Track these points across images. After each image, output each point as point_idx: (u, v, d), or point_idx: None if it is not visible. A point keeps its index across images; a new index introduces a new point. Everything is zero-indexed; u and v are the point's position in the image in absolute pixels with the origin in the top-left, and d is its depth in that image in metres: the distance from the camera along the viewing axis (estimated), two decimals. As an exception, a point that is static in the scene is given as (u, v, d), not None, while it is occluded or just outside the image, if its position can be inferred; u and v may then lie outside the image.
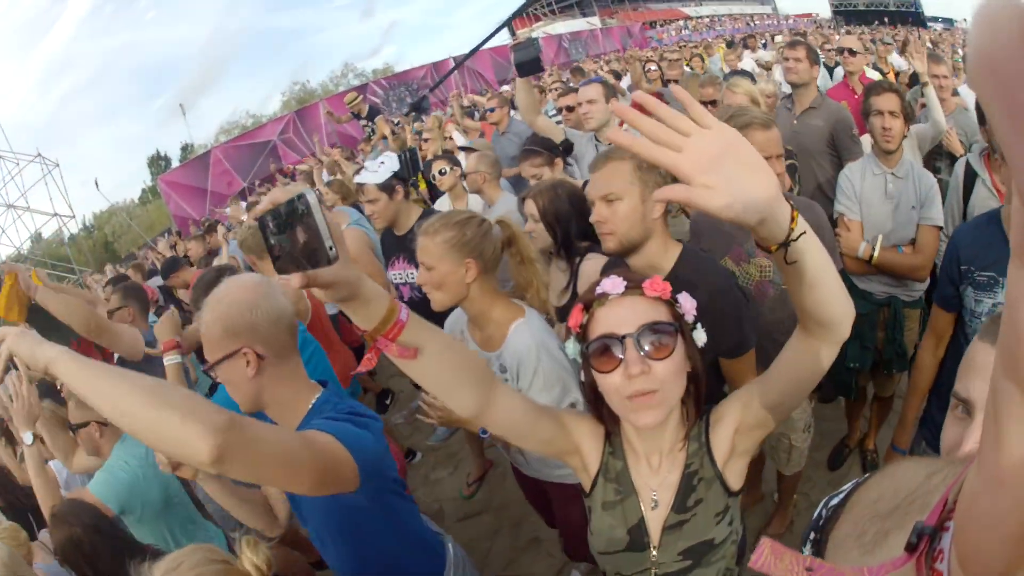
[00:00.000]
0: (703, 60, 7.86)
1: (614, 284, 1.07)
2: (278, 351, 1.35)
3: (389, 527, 1.45)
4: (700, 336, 1.09)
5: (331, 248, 0.72)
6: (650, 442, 1.16)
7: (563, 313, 2.27)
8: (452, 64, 20.61)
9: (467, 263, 1.80)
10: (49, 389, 2.72)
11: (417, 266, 2.74)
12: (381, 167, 2.79)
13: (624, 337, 1.03)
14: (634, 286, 1.07)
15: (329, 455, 1.19)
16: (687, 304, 1.07)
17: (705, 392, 1.15)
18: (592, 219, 1.73)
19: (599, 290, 1.08)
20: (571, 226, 2.24)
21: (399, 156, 3.50)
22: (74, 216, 21.94)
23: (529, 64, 3.09)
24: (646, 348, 1.02)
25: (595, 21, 30.18)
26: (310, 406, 1.40)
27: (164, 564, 1.11)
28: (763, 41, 14.04)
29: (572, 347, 1.12)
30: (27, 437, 2.02)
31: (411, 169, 3.90)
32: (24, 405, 1.94)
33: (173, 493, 2.28)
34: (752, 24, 30.00)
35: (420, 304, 2.25)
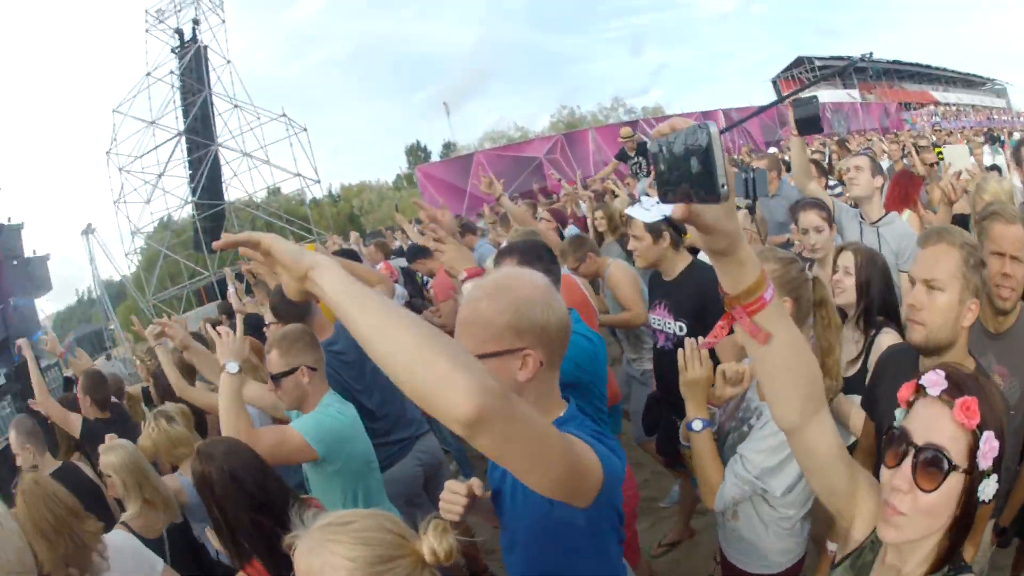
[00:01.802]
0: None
1: (933, 382, 0.99)
2: (553, 361, 1.25)
3: (589, 557, 1.32)
4: (987, 488, 0.97)
5: (723, 186, 0.70)
6: (896, 555, 1.06)
7: (849, 385, 2.16)
8: (721, 116, 20.21)
9: (784, 302, 1.70)
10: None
11: (675, 316, 2.73)
12: (654, 207, 2.77)
13: (910, 446, 0.98)
14: (949, 396, 0.97)
15: (583, 462, 1.11)
16: (987, 446, 0.95)
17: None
18: (908, 300, 1.59)
19: (921, 380, 1.02)
20: (878, 297, 2.20)
21: (743, 176, 3.38)
22: (319, 181, 23.37)
23: (809, 121, 3.02)
24: (918, 470, 0.96)
25: (855, 94, 28.98)
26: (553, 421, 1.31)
27: (336, 515, 1.02)
28: (1000, 135, 12.54)
29: (900, 414, 1.05)
30: (232, 366, 2.05)
31: (752, 192, 3.61)
32: (233, 340, 2.10)
33: (373, 458, 2.30)
34: (992, 119, 27.74)
35: (670, 354, 2.23)
